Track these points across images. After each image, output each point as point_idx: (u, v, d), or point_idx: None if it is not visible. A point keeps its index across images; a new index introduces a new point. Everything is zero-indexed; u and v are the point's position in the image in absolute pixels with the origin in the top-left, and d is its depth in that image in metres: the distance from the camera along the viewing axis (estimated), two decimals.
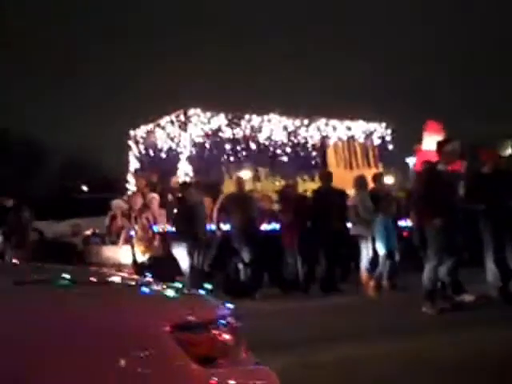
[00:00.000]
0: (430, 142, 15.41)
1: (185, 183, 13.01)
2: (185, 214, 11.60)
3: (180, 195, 12.37)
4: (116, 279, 3.27)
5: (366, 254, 11.54)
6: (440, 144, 9.39)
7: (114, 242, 13.99)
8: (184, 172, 15.69)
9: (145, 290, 3.08)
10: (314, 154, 17.93)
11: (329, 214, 11.68)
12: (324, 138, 17.84)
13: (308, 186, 15.38)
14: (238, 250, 11.85)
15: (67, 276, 3.01)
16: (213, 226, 12.29)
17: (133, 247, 13.26)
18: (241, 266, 11.88)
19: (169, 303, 3.04)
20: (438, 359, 6.09)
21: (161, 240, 13.17)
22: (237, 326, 3.14)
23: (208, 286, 3.96)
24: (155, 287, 3.23)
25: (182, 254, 11.51)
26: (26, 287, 2.87)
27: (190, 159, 15.86)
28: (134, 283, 3.39)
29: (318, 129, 17.76)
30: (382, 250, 11.27)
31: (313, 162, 17.87)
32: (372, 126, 18.87)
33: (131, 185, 17.11)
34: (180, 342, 2.75)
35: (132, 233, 13.48)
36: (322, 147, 17.90)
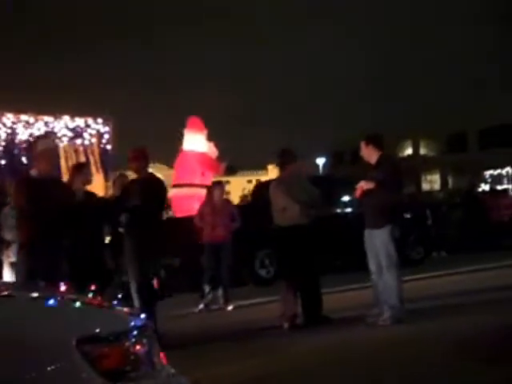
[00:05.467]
0: (193, 141, 13.80)
1: None
2: None
3: None
4: (20, 292, 3.27)
5: None
6: (34, 144, 7.14)
7: None
8: None
9: (50, 302, 2.95)
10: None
11: None
12: (11, 136, 14.25)
13: None
14: None
15: None
16: None
17: None
18: None
19: (74, 315, 2.92)
20: None
21: None
22: (151, 337, 3.04)
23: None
24: (61, 299, 3.09)
25: None
26: None
27: None
28: (38, 295, 3.17)
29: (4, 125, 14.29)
30: None
31: None
32: (81, 121, 15.04)
33: None
34: (86, 356, 2.68)
35: None
36: (8, 147, 14.27)
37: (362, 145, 8.23)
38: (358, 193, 8.06)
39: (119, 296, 6.19)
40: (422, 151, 62.46)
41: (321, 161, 71.64)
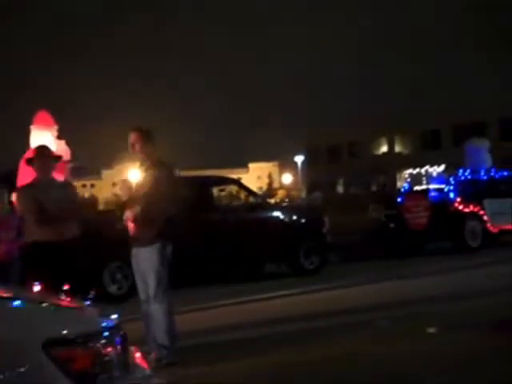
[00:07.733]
0: (39, 138, 12.17)
1: None
2: None
3: None
4: None
5: None
6: None
7: None
8: None
9: (15, 302, 2.93)
10: None
11: None
12: None
13: None
14: None
15: None
16: None
17: None
18: None
19: (41, 316, 2.87)
20: None
21: None
22: (123, 338, 3.00)
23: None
24: (28, 299, 3.08)
25: None
26: None
27: None
28: (5, 295, 3.11)
29: None
30: None
31: None
32: None
33: None
34: (53, 359, 2.63)
35: None
36: None
37: (133, 137, 6.53)
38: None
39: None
40: (397, 148, 61.04)
41: (299, 159, 70.70)
